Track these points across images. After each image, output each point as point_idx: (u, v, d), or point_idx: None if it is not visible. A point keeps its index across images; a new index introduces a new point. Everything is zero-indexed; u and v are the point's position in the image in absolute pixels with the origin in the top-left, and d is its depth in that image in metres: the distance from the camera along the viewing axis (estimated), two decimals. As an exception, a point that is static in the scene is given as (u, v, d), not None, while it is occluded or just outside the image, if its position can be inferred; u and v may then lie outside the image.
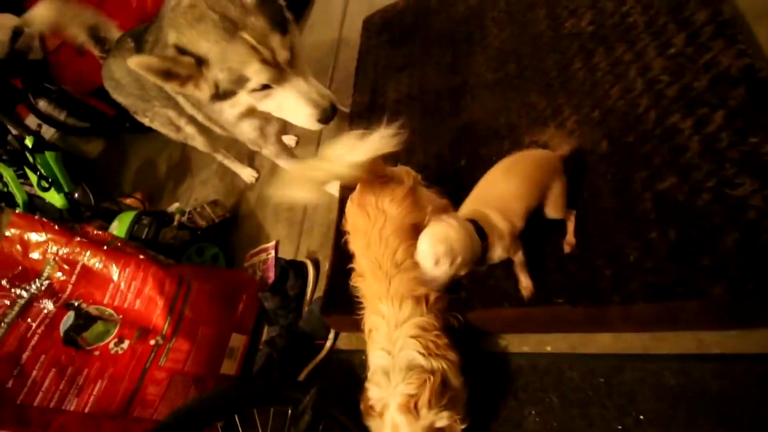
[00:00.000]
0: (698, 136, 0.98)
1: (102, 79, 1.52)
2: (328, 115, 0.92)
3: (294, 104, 0.93)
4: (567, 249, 1.00)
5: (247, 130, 1.08)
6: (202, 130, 1.49)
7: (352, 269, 1.07)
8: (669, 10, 1.21)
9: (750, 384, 0.84)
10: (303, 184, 0.91)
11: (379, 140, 0.82)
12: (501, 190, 0.93)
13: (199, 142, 1.65)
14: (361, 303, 1.05)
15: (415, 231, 0.98)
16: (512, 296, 1.01)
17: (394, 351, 0.91)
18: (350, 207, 1.05)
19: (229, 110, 0.96)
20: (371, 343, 0.98)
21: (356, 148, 0.84)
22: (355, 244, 1.04)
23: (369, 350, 0.99)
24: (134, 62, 0.82)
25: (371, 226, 0.97)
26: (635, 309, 0.88)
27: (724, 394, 0.85)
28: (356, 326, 1.14)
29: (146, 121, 1.56)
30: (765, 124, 0.93)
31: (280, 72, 0.89)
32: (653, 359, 0.94)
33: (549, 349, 1.04)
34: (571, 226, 1.01)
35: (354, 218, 1.03)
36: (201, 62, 0.86)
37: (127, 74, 1.29)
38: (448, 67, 1.59)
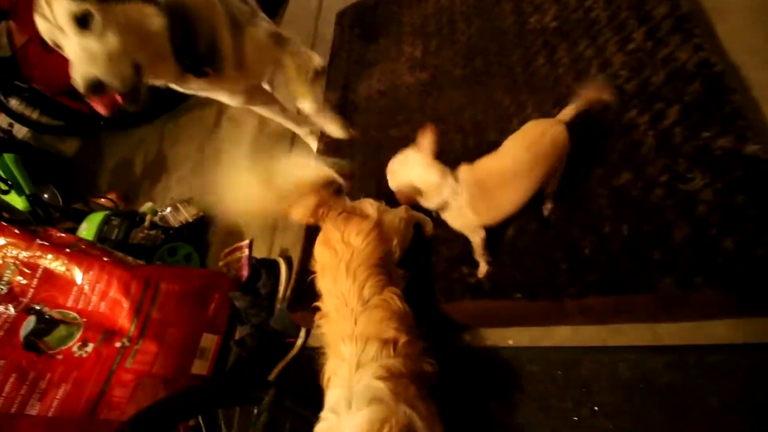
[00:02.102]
0: (653, 131, 0.99)
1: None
2: (89, 84, 0.82)
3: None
4: (546, 212, 1.02)
5: None
6: None
7: (316, 308, 0.98)
8: (630, 4, 1.22)
9: (701, 374, 0.86)
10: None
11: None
12: (506, 182, 0.87)
13: None
14: (322, 352, 0.93)
15: (382, 264, 0.94)
16: (474, 289, 1.02)
17: (354, 386, 0.78)
18: (317, 247, 1.00)
19: None
20: (328, 392, 0.83)
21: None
22: (322, 283, 0.97)
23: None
24: None
25: (338, 261, 0.92)
26: (590, 302, 0.89)
27: (676, 384, 0.87)
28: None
29: None
30: (718, 118, 0.94)
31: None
32: (609, 351, 0.95)
33: (511, 342, 1.06)
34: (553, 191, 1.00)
35: (321, 257, 0.97)
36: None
37: None
38: (418, 62, 1.59)
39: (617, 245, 0.90)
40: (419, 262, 1.12)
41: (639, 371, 0.91)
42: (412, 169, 0.87)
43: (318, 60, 1.54)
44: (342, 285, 0.90)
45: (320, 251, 0.98)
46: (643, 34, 1.15)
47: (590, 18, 1.26)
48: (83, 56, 0.82)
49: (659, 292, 0.83)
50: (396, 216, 1.06)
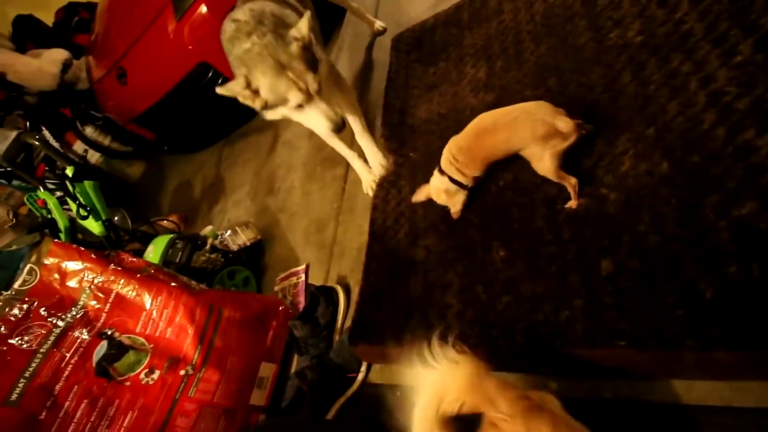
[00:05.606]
0: (780, 154, 0.86)
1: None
2: (339, 127, 1.31)
3: (317, 118, 1.30)
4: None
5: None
6: None
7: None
8: (731, 14, 1.09)
9: None
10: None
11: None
12: None
13: None
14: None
15: None
16: (564, 336, 0.91)
17: None
18: None
19: (269, 114, 1.37)
20: None
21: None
22: None
23: None
24: (220, 90, 1.26)
25: None
26: (716, 356, 0.76)
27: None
28: (386, 357, 1.04)
29: None
30: None
31: (309, 97, 1.25)
32: (735, 414, 0.80)
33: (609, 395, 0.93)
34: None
35: None
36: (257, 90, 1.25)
37: None
38: (482, 84, 1.53)
39: (747, 289, 0.76)
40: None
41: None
42: None
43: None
44: None
45: None
46: (750, 46, 1.02)
47: (683, 31, 1.14)
48: (325, 109, 1.28)
49: (809, 348, 0.69)
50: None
